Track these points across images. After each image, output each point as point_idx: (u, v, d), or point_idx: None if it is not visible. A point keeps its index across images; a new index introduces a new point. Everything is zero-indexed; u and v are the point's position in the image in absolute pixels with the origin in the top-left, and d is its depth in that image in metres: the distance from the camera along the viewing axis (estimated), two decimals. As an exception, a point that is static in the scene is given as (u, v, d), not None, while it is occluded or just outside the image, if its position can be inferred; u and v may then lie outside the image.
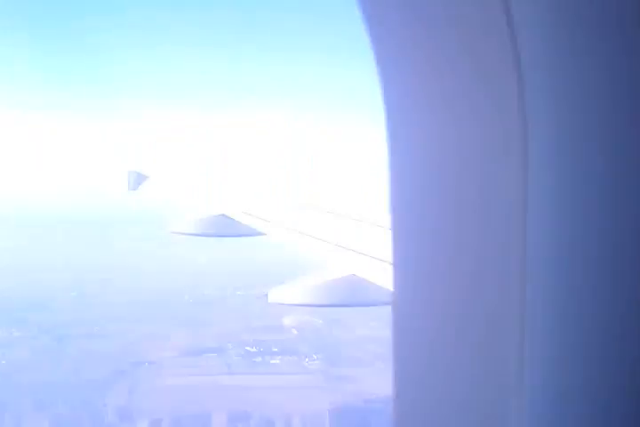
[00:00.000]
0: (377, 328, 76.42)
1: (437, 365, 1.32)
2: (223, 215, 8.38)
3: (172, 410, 49.89)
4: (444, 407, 1.35)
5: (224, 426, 48.60)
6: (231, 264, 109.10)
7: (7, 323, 68.88)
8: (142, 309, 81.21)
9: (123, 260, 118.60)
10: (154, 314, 78.05)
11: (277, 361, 63.36)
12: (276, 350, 66.16)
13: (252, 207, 8.33)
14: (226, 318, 77.87)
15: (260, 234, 7.56)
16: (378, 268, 5.06)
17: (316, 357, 64.73)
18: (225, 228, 8.39)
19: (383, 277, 4.86)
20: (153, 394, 52.99)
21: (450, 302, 1.29)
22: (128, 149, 16.24)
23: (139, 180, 13.42)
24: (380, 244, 5.49)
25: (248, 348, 66.58)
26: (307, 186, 10.00)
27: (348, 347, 68.63)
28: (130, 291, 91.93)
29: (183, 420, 48.64)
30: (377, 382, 59.22)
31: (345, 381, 58.22)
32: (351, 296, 5.34)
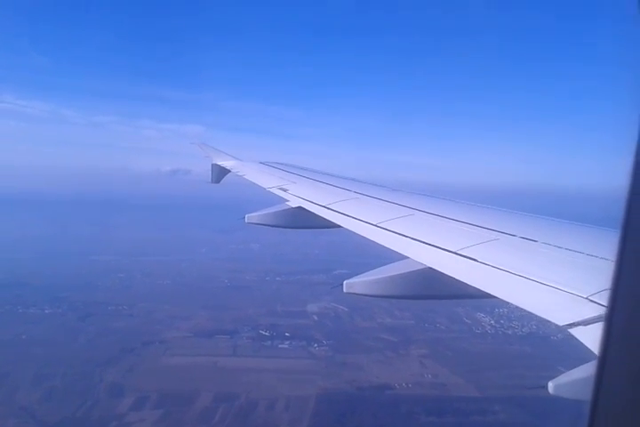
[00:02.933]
0: (399, 318, 74.67)
1: None
2: (300, 208, 8.76)
3: (162, 388, 50.98)
4: None
5: (207, 406, 48.90)
6: (285, 253, 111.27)
7: (44, 301, 73.45)
8: (179, 290, 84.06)
9: (184, 245, 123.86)
10: (186, 296, 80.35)
11: (286, 346, 63.12)
12: (288, 334, 66.03)
13: (332, 201, 8.62)
14: (253, 302, 78.77)
15: (335, 226, 7.72)
16: (454, 262, 5.22)
17: (326, 343, 63.90)
18: (301, 220, 8.79)
19: (459, 270, 5.02)
20: (150, 373, 54.45)
21: None
22: (211, 144, 17.95)
23: (221, 173, 15.22)
24: (456, 239, 5.85)
25: (262, 331, 66.90)
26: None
27: (362, 335, 67.36)
28: (176, 274, 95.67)
29: (168, 398, 49.55)
30: (378, 370, 57.69)
31: (345, 367, 57.04)
32: (427, 289, 5.47)
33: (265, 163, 14.48)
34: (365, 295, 5.75)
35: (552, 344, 61.45)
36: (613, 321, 1.19)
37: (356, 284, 5.64)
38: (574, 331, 3.52)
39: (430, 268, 5.28)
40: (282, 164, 14.15)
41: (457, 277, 4.88)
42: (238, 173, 13.79)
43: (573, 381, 3.31)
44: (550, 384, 3.40)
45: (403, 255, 5.78)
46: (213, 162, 15.61)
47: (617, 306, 1.19)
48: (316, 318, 73.69)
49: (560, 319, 3.71)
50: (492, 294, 4.49)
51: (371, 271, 5.74)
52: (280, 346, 63.25)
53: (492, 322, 70.52)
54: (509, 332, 67.67)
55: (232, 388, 51.89)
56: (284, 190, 10.15)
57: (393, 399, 50.67)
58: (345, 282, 5.59)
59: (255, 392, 51.32)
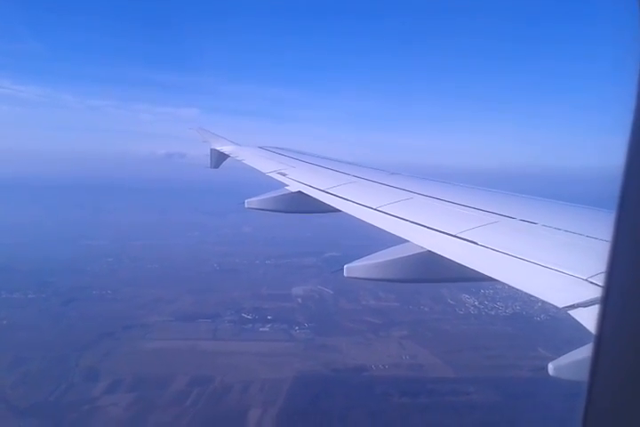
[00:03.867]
0: (384, 300, 74.30)
1: None
2: (300, 192, 8.75)
3: (137, 372, 50.97)
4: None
5: (181, 389, 48.85)
6: (277, 236, 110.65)
7: (29, 286, 73.38)
8: (165, 275, 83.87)
9: (176, 229, 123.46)
10: (173, 280, 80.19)
11: (267, 329, 62.93)
12: (270, 317, 65.87)
13: (331, 185, 8.62)
14: (239, 285, 78.57)
15: (334, 211, 7.74)
16: (454, 245, 5.24)
17: (307, 325, 63.66)
18: (300, 205, 8.82)
19: (459, 253, 5.04)
20: (127, 357, 54.45)
21: None
22: (211, 129, 18.24)
23: (220, 158, 15.15)
24: (456, 222, 5.84)
25: (244, 315, 66.76)
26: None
27: (344, 317, 67.14)
28: (166, 258, 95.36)
29: (143, 382, 49.58)
30: (356, 352, 57.41)
31: (324, 350, 56.85)
32: (428, 272, 5.52)
33: (264, 147, 14.35)
34: (366, 279, 5.79)
35: (535, 325, 61.35)
36: (609, 302, 1.20)
37: (356, 268, 5.63)
38: (574, 312, 3.54)
39: (430, 251, 5.30)
40: (280, 148, 14.02)
41: (457, 261, 4.90)
42: (237, 158, 13.69)
43: (574, 362, 3.28)
44: (550, 366, 3.38)
45: (402, 239, 5.78)
46: (212, 147, 15.47)
47: (612, 287, 1.19)
48: (300, 300, 73.52)
49: (560, 301, 3.72)
50: (492, 276, 4.51)
51: (371, 255, 5.74)
52: (261, 329, 63.09)
53: (477, 303, 70.21)
54: (492, 313, 67.37)
55: (208, 371, 51.89)
56: (284, 175, 10.14)
57: (368, 381, 50.59)
58: (345, 266, 5.56)
59: (231, 375, 51.25)
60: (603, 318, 1.22)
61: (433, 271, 5.42)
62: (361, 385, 49.56)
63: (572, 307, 3.58)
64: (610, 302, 1.21)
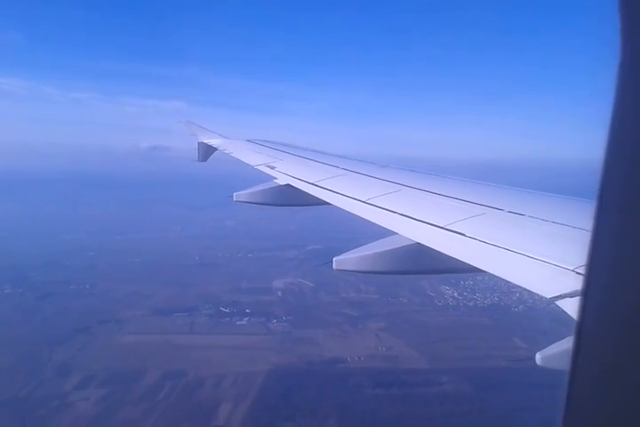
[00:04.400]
0: (364, 292, 74.17)
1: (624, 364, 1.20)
2: (288, 185, 8.71)
3: (110, 367, 50.59)
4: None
5: (153, 383, 48.50)
6: (261, 229, 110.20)
7: (6, 281, 72.47)
8: (145, 269, 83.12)
9: (159, 223, 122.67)
10: (153, 274, 79.59)
11: (244, 322, 62.60)
12: (248, 311, 65.55)
13: (320, 178, 8.57)
14: (219, 278, 78.13)
15: (323, 203, 7.72)
16: (442, 237, 5.25)
17: (285, 318, 63.39)
18: (289, 197, 8.79)
19: (447, 245, 5.04)
20: (101, 351, 53.98)
21: None
22: (199, 122, 18.67)
23: (208, 151, 15.08)
24: (444, 214, 5.86)
25: (222, 308, 66.39)
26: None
27: (323, 309, 66.92)
28: (147, 252, 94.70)
29: (115, 377, 49.18)
30: (333, 344, 57.19)
31: (301, 342, 56.64)
32: (416, 264, 5.52)
33: (252, 140, 14.27)
34: (354, 272, 5.78)
35: (512, 316, 61.51)
36: (589, 293, 1.20)
37: (345, 260, 5.64)
38: (561, 303, 3.57)
39: (419, 243, 5.32)
40: (269, 141, 13.95)
41: (445, 252, 4.92)
42: (225, 151, 13.62)
43: (562, 351, 3.27)
44: (538, 356, 3.40)
45: (391, 231, 5.78)
46: (200, 140, 15.40)
47: (593, 278, 1.19)
48: (280, 293, 73.25)
49: (547, 292, 3.76)
50: (479, 268, 4.54)
51: (359, 248, 5.75)
52: (238, 323, 62.76)
53: (455, 294, 70.16)
54: (471, 304, 67.30)
55: (182, 365, 51.62)
56: (272, 168, 10.10)
57: (343, 373, 50.45)
58: (335, 259, 5.58)
59: (205, 369, 51.04)
60: (584, 309, 1.22)
61: (421, 263, 5.43)
62: (335, 377, 49.41)
63: (559, 297, 3.60)
64: (590, 292, 1.20)
